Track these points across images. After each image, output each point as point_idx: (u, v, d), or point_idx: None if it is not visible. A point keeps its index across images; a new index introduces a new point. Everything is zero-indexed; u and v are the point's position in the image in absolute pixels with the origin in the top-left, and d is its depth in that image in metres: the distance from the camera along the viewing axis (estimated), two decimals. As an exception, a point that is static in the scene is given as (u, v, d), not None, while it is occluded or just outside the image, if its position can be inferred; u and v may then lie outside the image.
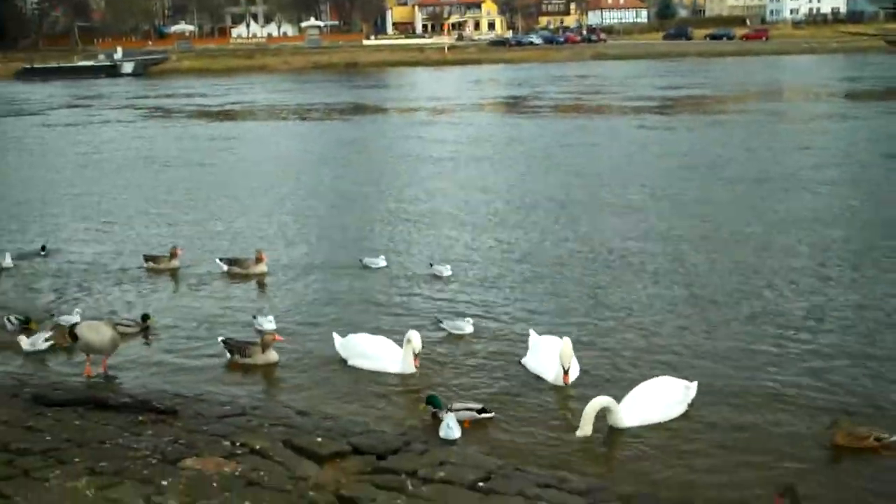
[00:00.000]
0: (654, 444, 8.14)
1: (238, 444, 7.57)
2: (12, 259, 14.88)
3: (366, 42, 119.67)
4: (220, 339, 10.59)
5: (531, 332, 10.34)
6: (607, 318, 11.54)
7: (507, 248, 15.50)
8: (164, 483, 6.67)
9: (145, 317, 11.60)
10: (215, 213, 19.64)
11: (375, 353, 9.82)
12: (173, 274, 14.17)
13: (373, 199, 20.95)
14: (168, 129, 40.40)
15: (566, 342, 9.28)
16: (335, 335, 10.32)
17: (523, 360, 9.92)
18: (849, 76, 60.38)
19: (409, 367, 9.56)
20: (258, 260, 13.90)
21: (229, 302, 12.72)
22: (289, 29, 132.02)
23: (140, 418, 8.30)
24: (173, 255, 14.36)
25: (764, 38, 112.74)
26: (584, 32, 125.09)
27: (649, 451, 8.00)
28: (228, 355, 10.32)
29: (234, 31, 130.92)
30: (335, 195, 21.67)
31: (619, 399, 8.45)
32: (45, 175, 26.56)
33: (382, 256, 14.27)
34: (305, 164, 27.88)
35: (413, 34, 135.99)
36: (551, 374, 9.38)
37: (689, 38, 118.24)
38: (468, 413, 8.38)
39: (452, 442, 7.96)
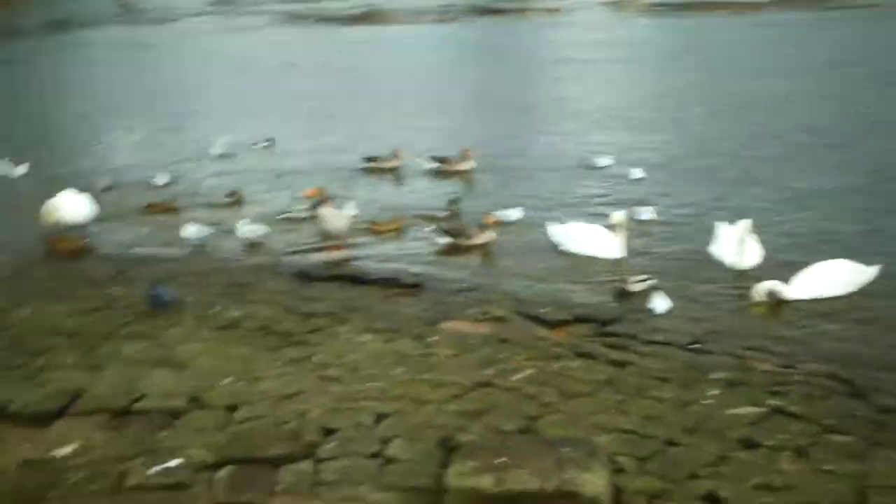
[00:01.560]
0: (832, 319, 9.18)
1: (481, 312, 9.09)
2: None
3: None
4: (431, 225, 12.03)
5: (716, 223, 11.37)
6: (791, 206, 12.49)
7: (682, 143, 16.54)
8: (431, 339, 8.23)
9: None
10: (389, 115, 21.05)
11: (587, 240, 11.08)
12: (394, 172, 15.66)
13: (538, 101, 22.10)
14: (309, 34, 41.57)
15: (745, 224, 10.30)
16: (548, 224, 11.61)
17: (709, 248, 10.98)
18: None
19: (620, 250, 10.69)
20: (465, 157, 15.27)
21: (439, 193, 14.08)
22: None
23: (392, 291, 9.93)
24: (396, 155, 15.77)
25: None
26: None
27: (828, 327, 9.04)
28: (447, 239, 11.71)
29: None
30: (503, 98, 22.86)
31: (790, 281, 9.51)
32: (209, 79, 28.54)
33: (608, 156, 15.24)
34: (460, 67, 29.04)
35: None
36: (732, 257, 10.41)
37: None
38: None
39: (661, 314, 9.24)
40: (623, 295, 9.69)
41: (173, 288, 9.58)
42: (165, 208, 13.62)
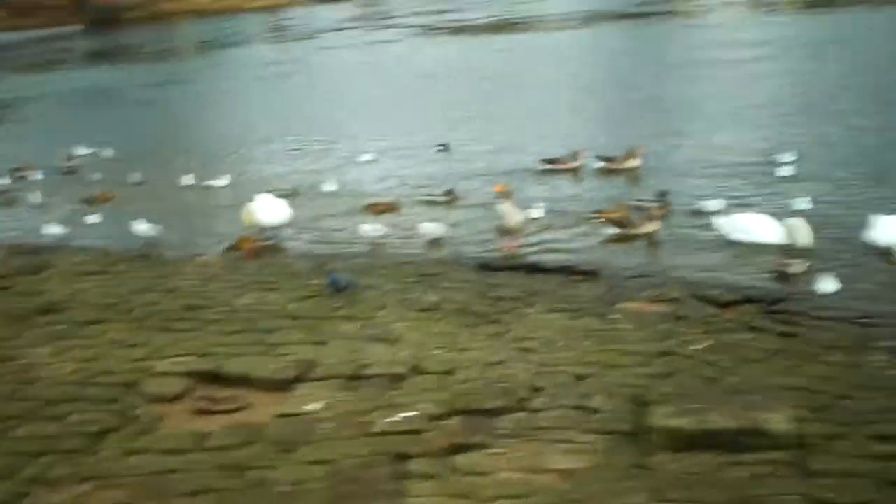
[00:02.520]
0: None
1: (656, 294, 9.90)
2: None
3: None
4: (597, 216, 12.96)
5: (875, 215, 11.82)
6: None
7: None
8: (615, 317, 9.10)
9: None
10: (544, 118, 22.02)
11: (755, 228, 11.77)
12: (575, 172, 16.61)
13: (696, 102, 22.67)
14: (447, 45, 43.03)
15: None
16: (716, 218, 12.32)
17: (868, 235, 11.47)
18: None
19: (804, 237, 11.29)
20: (632, 156, 16.13)
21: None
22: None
23: (569, 278, 10.83)
24: (576, 156, 16.75)
25: None
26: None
27: None
28: (612, 229, 12.59)
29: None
30: (649, 97, 23.51)
31: None
32: (356, 89, 30.12)
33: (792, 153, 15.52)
34: (604, 69, 29.75)
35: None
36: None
37: None
38: None
39: (826, 294, 9.86)
40: (784, 277, 10.36)
41: (349, 275, 10.77)
42: (387, 208, 14.89)
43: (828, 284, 9.85)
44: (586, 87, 26.71)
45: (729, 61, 28.07)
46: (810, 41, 30.64)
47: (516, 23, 48.94)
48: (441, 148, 18.96)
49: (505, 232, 12.75)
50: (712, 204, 13.06)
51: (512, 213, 12.63)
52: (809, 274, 10.25)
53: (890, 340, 8.04)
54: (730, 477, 5.55)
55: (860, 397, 6.74)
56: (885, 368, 7.33)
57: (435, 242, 13.02)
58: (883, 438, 5.97)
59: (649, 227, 12.37)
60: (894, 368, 7.30)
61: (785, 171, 14.75)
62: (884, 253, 10.79)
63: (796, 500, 5.21)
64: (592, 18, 46.16)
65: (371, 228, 13.43)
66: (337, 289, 10.40)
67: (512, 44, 40.65)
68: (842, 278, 9.94)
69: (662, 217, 12.54)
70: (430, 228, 13.24)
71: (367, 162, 18.82)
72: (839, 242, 11.42)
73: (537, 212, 13.65)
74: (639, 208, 13.12)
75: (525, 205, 13.31)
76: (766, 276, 10.52)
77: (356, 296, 10.20)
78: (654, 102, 22.79)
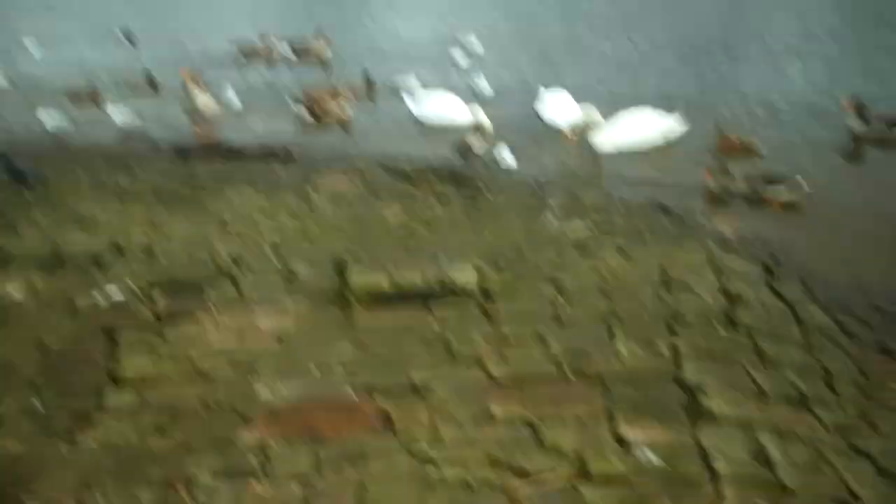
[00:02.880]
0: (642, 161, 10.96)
1: (350, 172, 10.35)
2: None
3: None
4: (292, 100, 13.25)
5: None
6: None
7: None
8: (312, 194, 9.46)
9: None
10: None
11: (443, 108, 12.45)
12: (268, 57, 16.52)
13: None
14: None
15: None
16: (409, 99, 12.92)
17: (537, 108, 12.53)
18: None
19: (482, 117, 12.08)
20: (322, 40, 16.39)
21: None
22: None
23: (266, 161, 11.03)
24: (269, 41, 16.79)
25: None
26: None
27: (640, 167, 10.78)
28: (305, 113, 12.91)
29: None
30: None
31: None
32: None
33: None
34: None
35: None
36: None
37: None
38: None
39: (503, 164, 10.69)
40: (468, 152, 11.11)
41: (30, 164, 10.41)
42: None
43: (506, 157, 10.69)
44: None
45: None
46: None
47: None
48: (125, 36, 18.26)
49: (198, 117, 12.73)
50: (405, 85, 13.69)
51: (203, 98, 12.61)
52: (491, 148, 11.05)
53: (558, 202, 8.95)
54: (423, 325, 6.11)
55: (535, 251, 7.51)
56: (551, 226, 8.18)
57: (127, 130, 12.78)
58: (556, 283, 6.74)
59: (342, 111, 12.77)
60: (558, 225, 8.17)
61: (468, 55, 15.59)
62: (554, 126, 11.82)
63: (481, 340, 5.84)
64: None
65: (51, 118, 12.96)
66: (17, 178, 10.04)
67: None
68: (518, 151, 10.83)
69: (368, 98, 13.02)
70: (121, 115, 12.97)
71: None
72: (518, 119, 12.36)
73: (232, 96, 13.69)
74: (338, 91, 13.52)
75: (219, 89, 13.31)
76: (453, 151, 11.21)
77: (46, 185, 9.94)
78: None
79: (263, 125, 12.83)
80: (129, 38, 18.22)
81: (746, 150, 10.85)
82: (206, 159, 11.12)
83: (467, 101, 12.38)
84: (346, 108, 12.81)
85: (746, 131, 11.44)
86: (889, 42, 17.41)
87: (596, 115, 11.20)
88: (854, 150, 11.32)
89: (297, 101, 13.22)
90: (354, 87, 13.86)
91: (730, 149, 10.80)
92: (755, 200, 9.35)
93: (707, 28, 20.46)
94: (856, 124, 11.46)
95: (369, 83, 14.02)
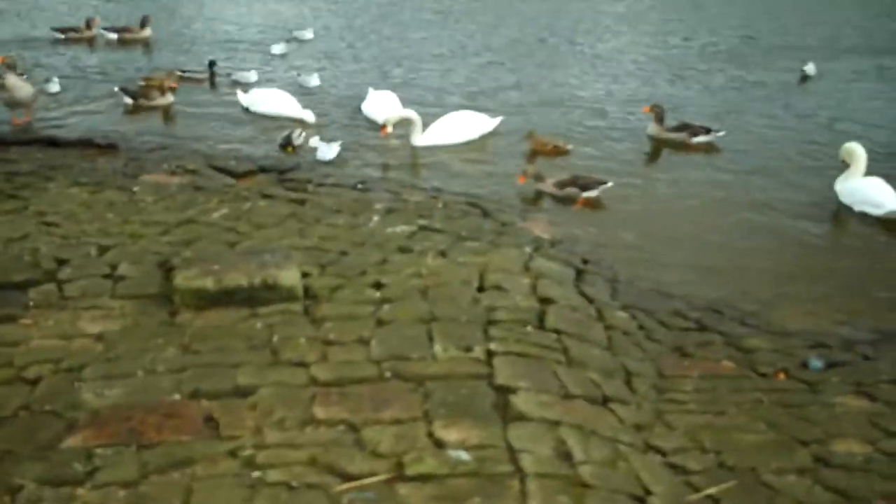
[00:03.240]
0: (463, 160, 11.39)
1: (175, 166, 10.34)
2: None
3: None
4: (116, 87, 13.06)
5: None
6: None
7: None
8: (136, 189, 9.43)
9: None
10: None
11: (272, 102, 12.52)
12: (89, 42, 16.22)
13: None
14: None
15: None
16: (239, 92, 12.97)
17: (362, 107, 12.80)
18: None
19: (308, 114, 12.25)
20: (145, 26, 16.16)
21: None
22: None
23: (88, 152, 10.89)
24: (90, 25, 16.35)
25: None
26: None
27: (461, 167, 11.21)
28: (129, 101, 12.79)
29: None
30: None
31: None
32: None
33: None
34: None
35: None
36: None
37: None
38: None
39: (329, 162, 10.90)
40: (290, 147, 11.25)
41: None
42: None
43: (326, 151, 10.89)
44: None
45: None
46: None
47: None
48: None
49: (14, 105, 12.38)
50: (239, 76, 13.76)
51: (19, 85, 12.28)
52: (313, 144, 11.23)
53: (382, 203, 9.20)
54: (248, 327, 6.27)
55: (358, 253, 7.76)
56: (380, 227, 8.44)
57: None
58: (378, 286, 7.01)
59: (164, 100, 12.68)
60: (387, 227, 8.43)
61: (299, 48, 15.69)
62: (376, 123, 12.10)
63: (305, 342, 6.04)
64: None
65: None
66: None
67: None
68: (343, 148, 11.06)
69: (210, 86, 13.00)
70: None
71: None
72: (343, 115, 12.58)
73: (52, 84, 13.37)
74: (188, 78, 13.49)
75: (37, 76, 12.97)
76: (277, 147, 11.32)
77: None
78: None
79: (85, 113, 12.62)
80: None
81: (556, 151, 11.43)
82: (23, 150, 10.87)
83: (295, 94, 12.54)
84: (169, 96, 12.74)
85: (559, 134, 12.03)
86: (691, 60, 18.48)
87: (415, 115, 11.53)
88: (652, 152, 12.06)
89: (121, 87, 13.05)
90: (177, 74, 13.79)
91: (542, 150, 11.36)
92: (563, 200, 9.91)
93: (532, 32, 21.20)
94: (655, 130, 12.23)
95: (212, 71, 13.98)
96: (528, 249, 8.06)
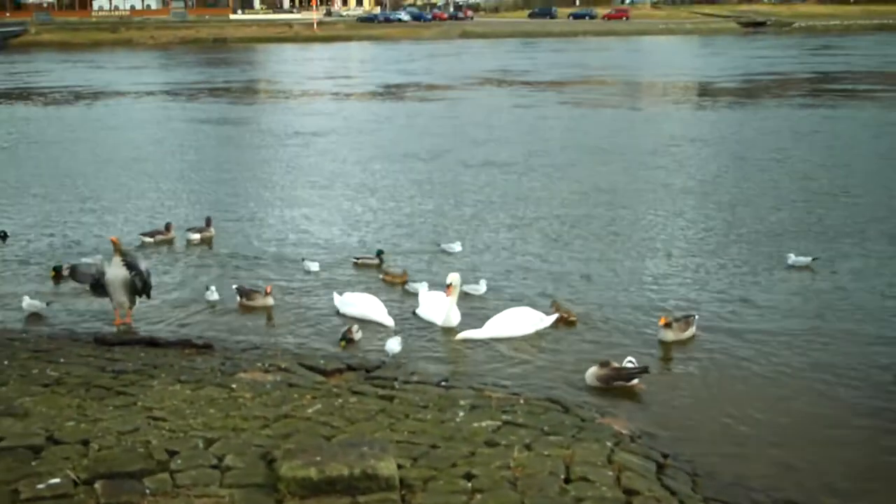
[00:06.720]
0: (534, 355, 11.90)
1: (268, 364, 10.96)
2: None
3: (233, 17, 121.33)
4: (234, 286, 13.96)
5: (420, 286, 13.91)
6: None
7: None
8: (234, 386, 10.02)
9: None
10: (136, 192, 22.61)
11: (362, 305, 13.23)
12: (169, 243, 17.50)
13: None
14: (41, 110, 42.43)
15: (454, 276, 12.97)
16: (335, 293, 13.76)
17: (417, 311, 13.46)
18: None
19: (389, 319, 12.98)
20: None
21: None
22: (153, 2, 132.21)
23: (186, 351, 11.59)
24: (169, 229, 17.65)
25: (625, 18, 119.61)
26: (451, 10, 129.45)
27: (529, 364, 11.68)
28: (238, 298, 13.63)
29: (96, 3, 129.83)
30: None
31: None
32: None
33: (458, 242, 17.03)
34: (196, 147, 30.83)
35: (280, 9, 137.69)
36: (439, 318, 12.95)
37: (553, 17, 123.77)
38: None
39: (412, 363, 11.46)
40: (350, 341, 11.95)
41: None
42: None
43: (394, 345, 11.51)
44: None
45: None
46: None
47: (120, 92, 49.03)
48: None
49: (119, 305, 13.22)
50: (312, 266, 14.81)
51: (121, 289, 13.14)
52: (379, 342, 11.93)
53: (468, 399, 9.68)
54: (349, 515, 6.70)
55: (447, 446, 8.19)
56: (466, 422, 8.89)
57: (36, 317, 13.26)
58: (469, 477, 7.41)
59: (266, 301, 13.48)
60: (473, 422, 8.88)
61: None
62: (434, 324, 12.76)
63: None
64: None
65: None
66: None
67: (118, 111, 41.43)
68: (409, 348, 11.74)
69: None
70: (31, 303, 13.44)
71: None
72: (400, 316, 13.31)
73: (210, 293, 14.01)
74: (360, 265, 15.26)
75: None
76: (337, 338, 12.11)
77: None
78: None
79: (178, 315, 13.42)
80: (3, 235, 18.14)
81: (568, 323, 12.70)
82: (126, 350, 11.59)
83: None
84: (270, 299, 13.56)
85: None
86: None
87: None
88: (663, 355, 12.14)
89: (237, 287, 13.91)
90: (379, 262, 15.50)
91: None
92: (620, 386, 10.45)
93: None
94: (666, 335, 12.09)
95: (381, 259, 15.68)
96: (608, 444, 8.43)
